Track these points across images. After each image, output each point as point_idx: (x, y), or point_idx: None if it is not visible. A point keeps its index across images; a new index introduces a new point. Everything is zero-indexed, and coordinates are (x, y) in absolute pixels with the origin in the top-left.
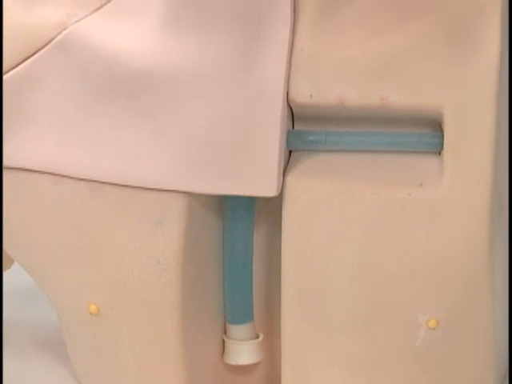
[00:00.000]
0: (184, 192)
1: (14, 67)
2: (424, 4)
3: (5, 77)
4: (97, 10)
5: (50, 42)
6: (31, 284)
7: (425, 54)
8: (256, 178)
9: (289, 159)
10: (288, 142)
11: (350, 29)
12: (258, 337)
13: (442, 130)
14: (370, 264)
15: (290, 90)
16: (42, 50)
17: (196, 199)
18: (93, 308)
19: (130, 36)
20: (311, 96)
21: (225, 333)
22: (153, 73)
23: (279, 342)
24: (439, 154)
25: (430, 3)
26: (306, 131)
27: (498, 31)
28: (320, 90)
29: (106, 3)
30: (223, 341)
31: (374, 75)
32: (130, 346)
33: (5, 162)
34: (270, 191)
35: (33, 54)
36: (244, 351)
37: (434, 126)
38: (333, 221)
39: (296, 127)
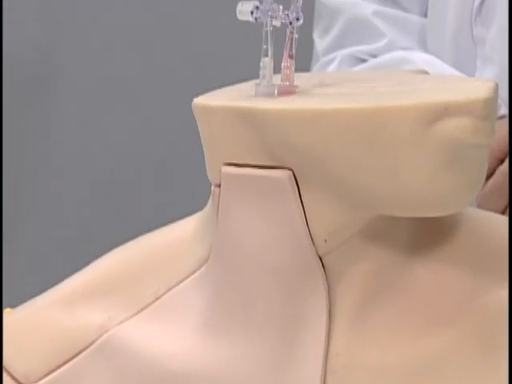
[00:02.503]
0: None
1: (56, 369)
2: (457, 309)
3: (47, 378)
4: (138, 312)
5: (91, 344)
6: None
7: (459, 361)
8: None
9: None
10: None
11: (385, 332)
12: None
13: None
14: None
15: None
16: (83, 353)
17: None
18: None
19: (169, 339)
20: None
21: None
22: (191, 376)
23: None
24: None
25: (463, 308)
26: None
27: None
28: None
29: (146, 306)
30: None
31: (409, 378)
32: None
33: None
34: None
35: (74, 357)
36: None
37: None
38: None
39: None
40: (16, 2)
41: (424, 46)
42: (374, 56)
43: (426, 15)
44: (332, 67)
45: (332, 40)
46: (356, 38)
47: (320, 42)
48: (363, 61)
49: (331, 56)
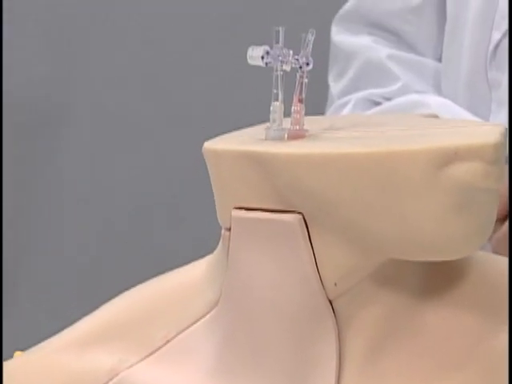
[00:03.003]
0: None
1: None
2: (466, 354)
3: None
4: (148, 355)
5: None
6: None
7: None
8: None
9: None
10: None
11: (395, 376)
12: None
13: None
14: None
15: None
16: None
17: None
18: None
19: (179, 383)
20: None
21: None
22: None
23: None
24: None
25: (472, 353)
26: None
27: None
28: None
29: (156, 349)
30: None
31: None
32: None
33: None
34: None
35: None
36: None
37: None
38: None
39: None
40: (24, 41)
41: (438, 90)
42: (389, 99)
43: (440, 59)
44: (346, 110)
45: (347, 83)
46: (371, 81)
47: (335, 86)
48: (377, 104)
49: (346, 99)
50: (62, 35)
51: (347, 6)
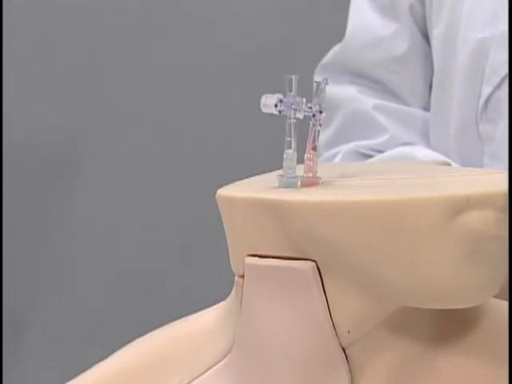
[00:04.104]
0: None
1: None
2: None
3: None
4: None
5: None
6: None
7: None
8: None
9: None
10: None
11: None
12: None
13: None
14: None
15: None
16: None
17: None
18: None
19: None
20: None
21: None
22: None
23: None
24: None
25: None
26: None
27: None
28: None
29: None
30: None
31: None
32: None
33: None
34: None
35: None
36: None
37: None
38: None
39: None
40: (41, 86)
41: (426, 140)
42: (377, 151)
43: (426, 108)
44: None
45: (332, 134)
46: (357, 132)
47: (320, 135)
48: (366, 156)
49: (334, 151)
50: (72, 84)
51: (329, 56)
